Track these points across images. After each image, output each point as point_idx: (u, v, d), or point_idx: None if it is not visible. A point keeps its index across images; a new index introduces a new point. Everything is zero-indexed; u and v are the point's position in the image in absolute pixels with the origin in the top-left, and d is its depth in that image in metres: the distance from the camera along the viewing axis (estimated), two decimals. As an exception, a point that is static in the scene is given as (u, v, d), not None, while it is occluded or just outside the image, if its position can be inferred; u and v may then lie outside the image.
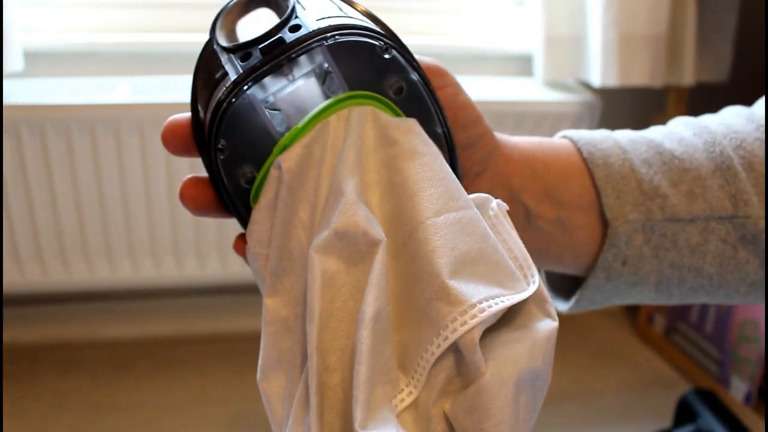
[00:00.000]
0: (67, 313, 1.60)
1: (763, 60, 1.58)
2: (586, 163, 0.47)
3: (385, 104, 0.36)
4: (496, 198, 0.38)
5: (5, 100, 1.27)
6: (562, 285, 0.54)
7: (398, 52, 0.35)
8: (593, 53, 1.37)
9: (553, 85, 1.49)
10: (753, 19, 1.52)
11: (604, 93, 1.47)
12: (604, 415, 1.44)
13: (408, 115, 0.36)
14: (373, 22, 0.37)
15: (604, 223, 0.47)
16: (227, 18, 0.37)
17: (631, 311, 1.77)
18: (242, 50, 0.35)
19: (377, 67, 0.35)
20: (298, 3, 0.35)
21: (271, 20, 0.36)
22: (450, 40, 1.52)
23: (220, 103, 0.34)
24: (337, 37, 0.34)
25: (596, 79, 1.37)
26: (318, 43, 0.34)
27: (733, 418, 1.24)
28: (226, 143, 0.35)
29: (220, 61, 0.35)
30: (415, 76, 0.36)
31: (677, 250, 0.47)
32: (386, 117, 0.35)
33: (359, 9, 0.38)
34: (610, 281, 0.48)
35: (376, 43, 0.35)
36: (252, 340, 1.59)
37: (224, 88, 0.34)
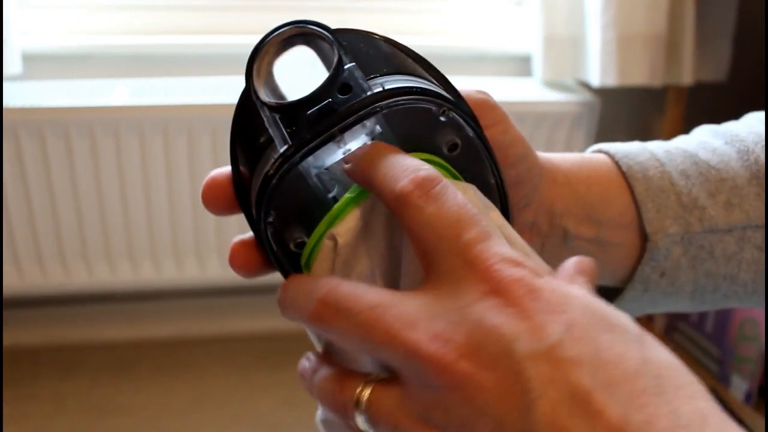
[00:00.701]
0: (67, 315, 1.60)
1: (762, 59, 1.58)
2: (626, 177, 0.47)
3: (442, 167, 0.35)
4: (539, 224, 0.41)
5: (4, 103, 1.27)
6: None
7: (455, 111, 0.35)
8: (592, 53, 1.37)
9: (552, 85, 1.49)
10: (752, 18, 1.52)
11: (602, 93, 1.47)
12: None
13: (461, 167, 0.36)
14: (418, 63, 0.36)
15: (643, 238, 0.47)
16: (263, 60, 0.34)
17: (631, 311, 1.77)
18: (287, 112, 0.33)
19: (432, 128, 0.34)
20: (341, 47, 0.33)
21: (309, 59, 0.34)
22: (449, 41, 1.52)
23: (268, 177, 0.33)
24: (392, 105, 0.33)
25: (595, 79, 1.37)
26: (373, 113, 0.33)
27: (734, 417, 1.24)
28: (275, 215, 0.34)
29: (263, 119, 0.34)
30: (470, 132, 0.35)
31: (714, 260, 0.48)
32: None
33: (400, 48, 0.37)
34: (647, 293, 0.48)
35: (433, 107, 0.34)
36: (251, 342, 1.60)
37: (271, 161, 0.33)
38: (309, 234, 0.34)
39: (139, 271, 1.46)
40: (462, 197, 0.30)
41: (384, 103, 0.32)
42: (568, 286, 0.29)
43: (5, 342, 1.52)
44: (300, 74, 0.35)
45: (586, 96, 1.45)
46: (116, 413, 1.39)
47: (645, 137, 0.57)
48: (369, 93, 0.33)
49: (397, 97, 0.33)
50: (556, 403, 0.25)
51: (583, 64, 1.40)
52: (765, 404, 1.36)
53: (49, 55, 1.38)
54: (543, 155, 0.46)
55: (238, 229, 1.55)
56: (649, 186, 0.47)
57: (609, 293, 0.52)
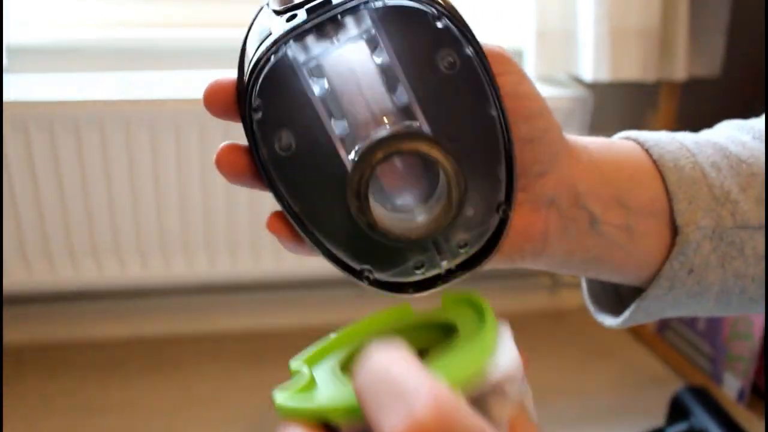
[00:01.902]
0: (53, 313, 1.58)
1: (755, 54, 1.57)
2: (657, 165, 0.46)
3: (473, 306, 0.34)
4: (559, 202, 0.40)
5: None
6: (607, 300, 0.53)
7: (452, 21, 0.34)
8: (584, 47, 1.36)
9: (545, 80, 1.47)
10: (745, 13, 1.51)
11: (595, 88, 1.46)
12: (596, 414, 1.43)
13: (459, 91, 0.34)
14: None
15: (673, 231, 0.45)
16: None
17: (624, 308, 1.77)
18: (289, 11, 0.33)
19: (428, 37, 0.34)
20: None
21: None
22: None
23: (258, 61, 0.33)
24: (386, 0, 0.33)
25: (588, 74, 1.36)
26: (364, 5, 0.32)
27: (726, 416, 1.24)
28: (261, 103, 0.34)
29: (269, 23, 0.34)
30: (469, 51, 0.34)
31: (744, 259, 0.46)
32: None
33: None
34: (672, 291, 0.46)
35: (428, 9, 0.33)
36: (239, 340, 1.58)
37: (264, 46, 0.33)
38: (296, 138, 0.34)
39: (126, 268, 1.44)
40: None
41: (378, 8, 0.33)
42: None
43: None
44: None
45: (578, 91, 1.44)
46: (103, 412, 1.38)
47: (638, 133, 0.57)
48: None
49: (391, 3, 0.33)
50: None
51: (576, 58, 1.39)
52: (765, 404, 1.35)
53: (34, 48, 1.36)
54: (570, 135, 0.44)
55: (226, 229, 1.52)
56: (681, 176, 0.45)
57: (617, 297, 0.51)
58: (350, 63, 0.33)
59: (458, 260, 0.38)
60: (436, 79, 0.34)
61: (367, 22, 0.33)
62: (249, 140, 0.35)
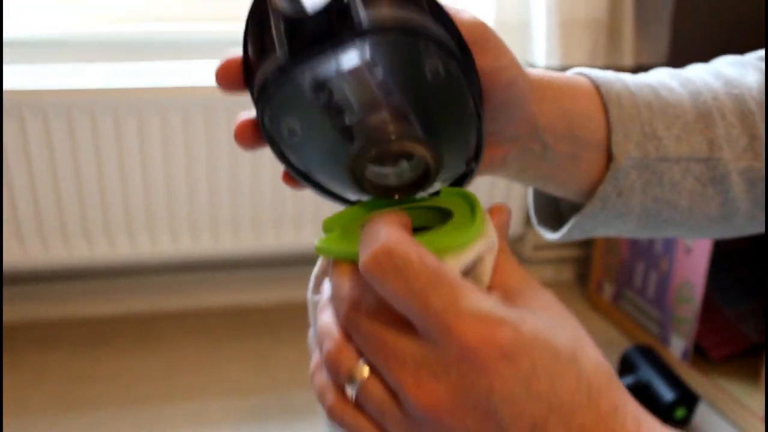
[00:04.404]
0: (44, 291, 1.63)
1: (699, 42, 1.67)
2: (604, 102, 0.54)
3: (464, 197, 0.42)
4: (519, 136, 0.49)
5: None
6: (548, 215, 0.62)
7: (439, 47, 0.38)
8: (538, 37, 1.46)
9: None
10: (688, 3, 1.60)
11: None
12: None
13: (445, 93, 0.40)
14: None
15: (609, 158, 0.54)
16: None
17: (582, 281, 1.87)
18: (290, 22, 0.37)
19: (418, 59, 0.38)
20: None
21: None
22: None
23: (265, 84, 0.38)
24: (379, 41, 0.37)
25: (541, 61, 1.46)
26: (362, 40, 0.36)
27: (668, 370, 1.35)
28: (271, 112, 0.39)
29: (270, 19, 0.38)
30: (453, 65, 0.39)
31: (661, 187, 0.55)
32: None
33: None
34: (603, 210, 0.55)
35: (421, 44, 0.37)
36: (222, 316, 1.65)
37: (270, 68, 0.37)
38: (301, 128, 0.40)
39: (115, 247, 1.50)
40: (419, 261, 0.34)
41: (374, 39, 0.37)
42: (528, 315, 0.35)
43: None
44: None
45: (534, 77, 1.54)
46: (95, 381, 1.43)
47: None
48: (360, 26, 0.36)
49: (384, 34, 0.37)
50: None
51: (530, 47, 1.49)
52: (766, 359, 1.44)
53: (17, 41, 1.42)
54: (534, 73, 0.52)
55: (210, 210, 1.57)
56: (621, 113, 0.54)
57: (559, 217, 0.61)
58: (352, 83, 0.38)
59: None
60: (424, 86, 0.39)
61: (366, 50, 0.37)
62: (261, 127, 0.40)
